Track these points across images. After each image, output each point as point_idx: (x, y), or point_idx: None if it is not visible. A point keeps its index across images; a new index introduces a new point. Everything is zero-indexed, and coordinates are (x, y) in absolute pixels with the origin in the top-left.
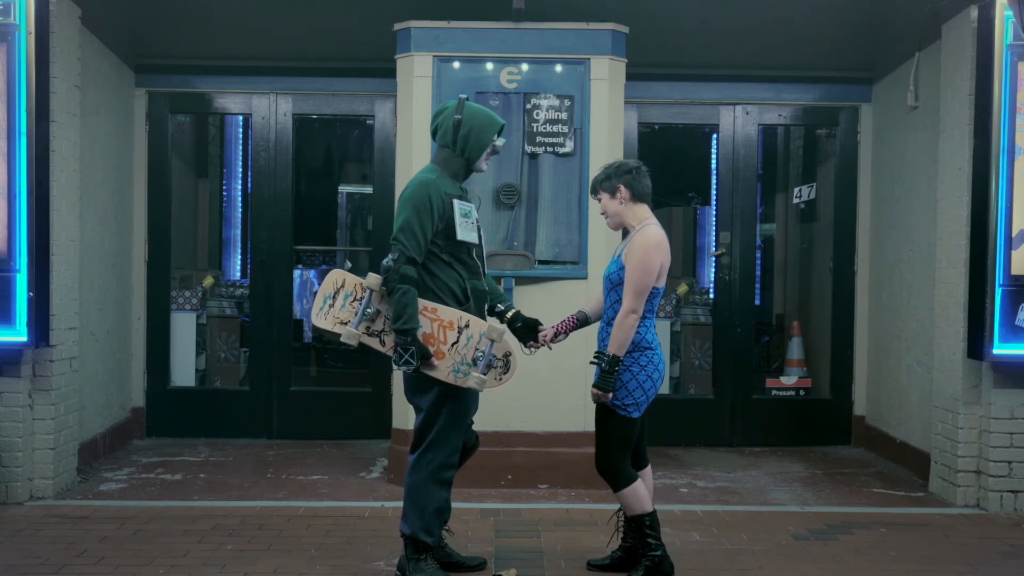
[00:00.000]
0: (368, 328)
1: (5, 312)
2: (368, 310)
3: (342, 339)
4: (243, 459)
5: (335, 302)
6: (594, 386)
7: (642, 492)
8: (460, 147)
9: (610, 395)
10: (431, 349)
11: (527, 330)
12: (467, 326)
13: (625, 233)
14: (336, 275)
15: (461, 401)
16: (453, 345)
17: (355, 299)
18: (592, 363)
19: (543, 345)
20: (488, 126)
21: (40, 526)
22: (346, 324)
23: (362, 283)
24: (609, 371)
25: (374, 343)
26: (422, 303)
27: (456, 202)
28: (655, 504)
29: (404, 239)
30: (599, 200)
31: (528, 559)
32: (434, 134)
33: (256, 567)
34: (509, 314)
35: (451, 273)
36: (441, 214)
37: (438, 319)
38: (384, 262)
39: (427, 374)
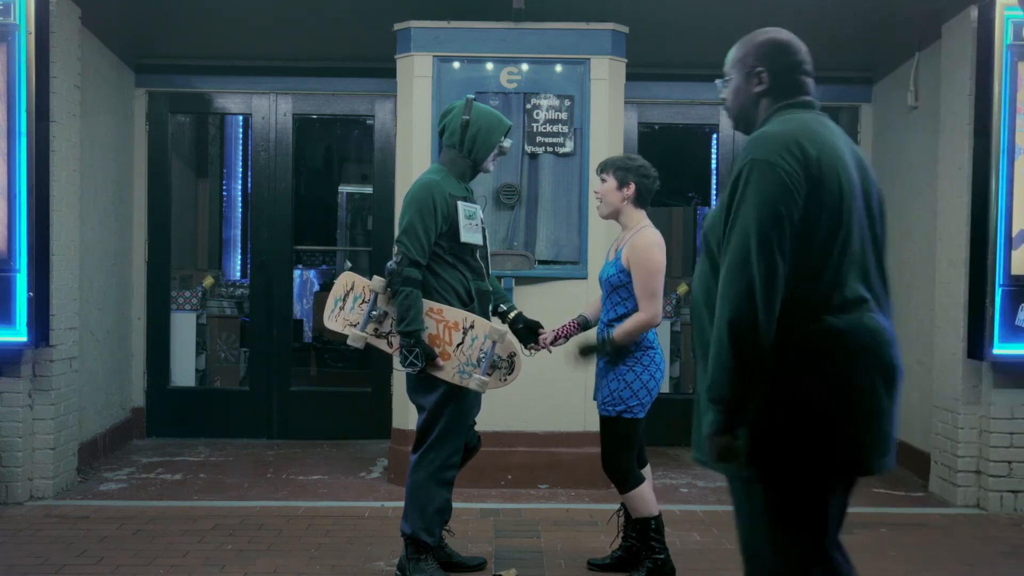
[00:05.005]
0: (376, 330)
1: (5, 312)
2: (374, 312)
3: (348, 341)
4: (243, 459)
5: (345, 304)
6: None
7: (649, 494)
8: (467, 148)
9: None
10: (437, 350)
11: (527, 332)
12: (472, 327)
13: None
14: (346, 277)
15: (463, 401)
16: (458, 346)
17: (363, 301)
18: (596, 348)
19: (543, 348)
20: (495, 127)
21: (40, 526)
22: (355, 326)
23: (368, 285)
24: (613, 352)
25: (382, 344)
26: (428, 304)
27: (461, 204)
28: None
29: (407, 241)
30: (603, 180)
31: (528, 559)
32: (441, 134)
33: (256, 567)
34: (511, 315)
35: (455, 274)
36: (445, 215)
37: (443, 320)
38: (388, 265)
39: (432, 374)
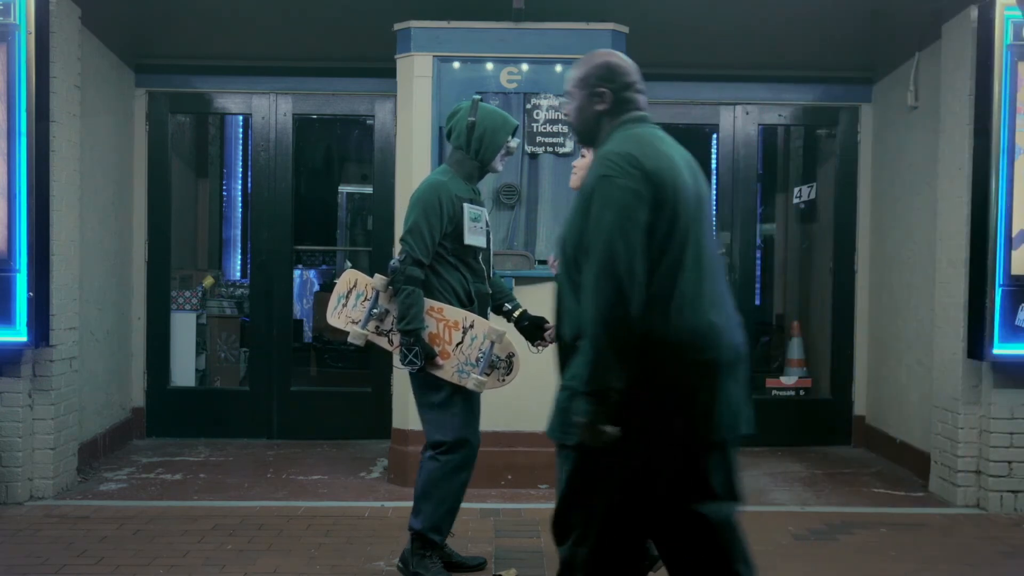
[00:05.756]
0: (377, 327)
1: (5, 312)
2: (375, 310)
3: (349, 338)
4: (243, 459)
5: (348, 301)
6: None
7: None
8: (474, 149)
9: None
10: (436, 349)
11: (534, 329)
12: (471, 327)
13: None
14: (349, 275)
15: (471, 400)
16: (458, 345)
17: (366, 299)
18: None
19: (551, 342)
20: (501, 127)
21: (40, 526)
22: (357, 323)
23: (371, 283)
24: None
25: (382, 342)
26: (428, 303)
27: (467, 206)
28: None
29: (412, 240)
30: (583, 155)
31: (528, 559)
32: (448, 135)
33: (256, 567)
34: (516, 313)
35: (456, 275)
36: (450, 216)
37: (444, 319)
38: (391, 263)
39: (433, 374)
